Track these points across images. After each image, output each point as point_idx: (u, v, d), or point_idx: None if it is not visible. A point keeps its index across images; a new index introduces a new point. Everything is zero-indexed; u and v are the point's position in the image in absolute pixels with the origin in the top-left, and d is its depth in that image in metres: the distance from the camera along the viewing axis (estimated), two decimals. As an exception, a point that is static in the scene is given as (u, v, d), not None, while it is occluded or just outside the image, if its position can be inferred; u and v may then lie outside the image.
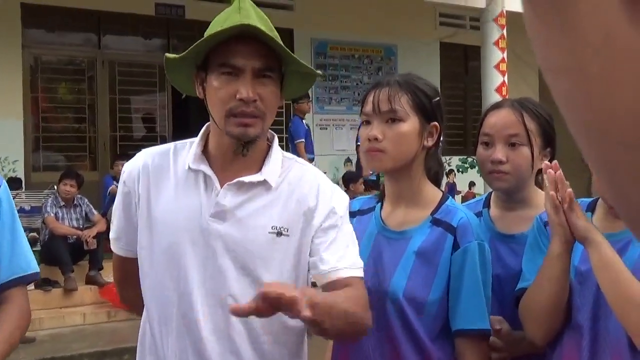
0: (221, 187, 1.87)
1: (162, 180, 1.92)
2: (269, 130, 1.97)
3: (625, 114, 0.37)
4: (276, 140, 1.99)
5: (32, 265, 2.10)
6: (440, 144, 2.08)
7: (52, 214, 8.15)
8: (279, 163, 1.94)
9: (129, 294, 2.13)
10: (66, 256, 7.82)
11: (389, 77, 2.06)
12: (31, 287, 7.06)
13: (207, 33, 1.85)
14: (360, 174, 10.07)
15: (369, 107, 2.00)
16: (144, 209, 1.92)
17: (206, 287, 1.84)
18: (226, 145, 1.89)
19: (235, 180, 1.87)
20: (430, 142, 2.01)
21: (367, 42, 12.20)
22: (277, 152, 1.96)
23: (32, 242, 8.49)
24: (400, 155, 1.97)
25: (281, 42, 1.83)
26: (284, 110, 11.24)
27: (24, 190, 9.19)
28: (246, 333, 1.85)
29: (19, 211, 7.68)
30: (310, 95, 10.72)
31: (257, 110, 1.82)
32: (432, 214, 2.00)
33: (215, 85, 1.84)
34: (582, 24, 0.37)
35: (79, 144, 10.56)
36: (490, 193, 2.33)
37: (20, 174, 9.58)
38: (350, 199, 2.09)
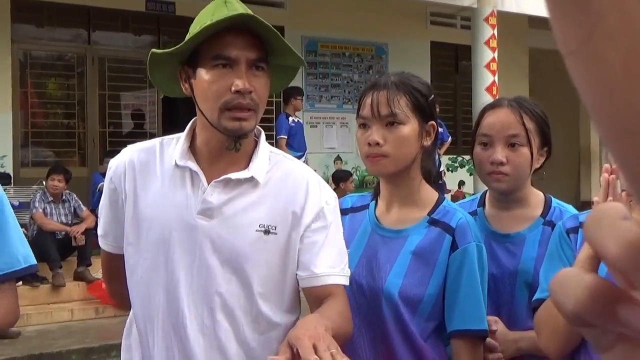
0: (208, 184, 1.84)
1: (149, 176, 1.90)
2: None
3: None
4: (263, 135, 1.96)
5: (21, 260, 2.06)
6: (438, 142, 2.08)
7: (41, 210, 8.12)
8: (267, 159, 1.92)
9: (117, 289, 2.11)
10: (54, 252, 7.80)
11: (384, 78, 2.02)
12: (19, 282, 7.04)
13: (192, 28, 1.82)
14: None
15: (367, 111, 1.97)
16: (131, 206, 1.90)
17: (193, 285, 1.83)
18: (216, 140, 1.86)
19: (222, 177, 1.84)
20: (428, 142, 2.00)
21: (358, 40, 12.18)
22: (264, 147, 1.94)
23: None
24: (402, 159, 1.95)
25: (277, 32, 1.82)
26: (274, 107, 11.22)
27: (12, 185, 9.14)
28: (232, 331, 1.84)
29: (7, 207, 7.51)
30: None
31: (253, 102, 1.80)
32: (430, 214, 1.99)
33: (208, 78, 1.80)
34: None
35: (68, 139, 10.51)
36: (485, 192, 2.31)
37: (9, 169, 9.53)
38: (341, 197, 2.08)
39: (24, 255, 2.10)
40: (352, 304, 1.95)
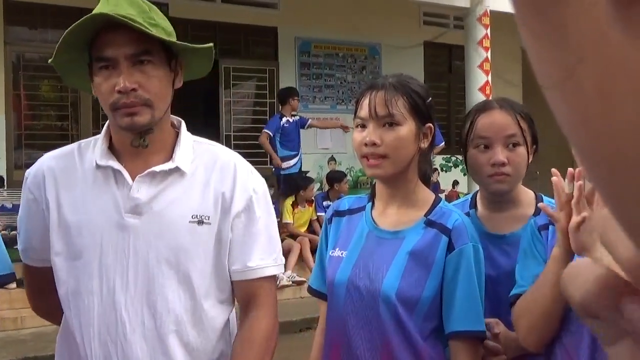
0: (133, 181, 1.80)
1: (71, 182, 1.84)
2: (175, 116, 1.91)
3: (625, 134, 0.33)
4: (184, 125, 1.92)
5: (6, 267, 2.05)
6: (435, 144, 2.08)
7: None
8: (190, 148, 1.88)
9: (42, 305, 2.05)
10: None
11: (382, 79, 2.02)
12: (12, 285, 7.02)
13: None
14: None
15: (364, 112, 1.96)
16: (55, 214, 1.83)
17: (130, 288, 1.77)
18: (124, 138, 1.83)
19: (146, 172, 1.80)
20: (425, 144, 1.99)
21: (351, 41, 12.18)
22: (186, 137, 1.89)
23: (14, 241, 8.40)
24: (400, 160, 1.95)
25: (164, 24, 1.79)
26: (267, 108, 11.22)
27: (5, 188, 9.12)
28: (176, 332, 1.79)
29: (0, 209, 7.65)
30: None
31: (139, 99, 1.74)
32: (426, 215, 1.99)
33: (97, 81, 1.77)
34: (571, 31, 0.34)
35: (62, 141, 10.45)
36: (476, 193, 2.31)
37: (2, 171, 9.51)
38: (336, 198, 2.08)
39: (5, 261, 2.08)
40: (350, 305, 1.95)
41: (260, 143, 9.55)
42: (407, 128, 1.94)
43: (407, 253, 1.94)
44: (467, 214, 2.21)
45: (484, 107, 2.20)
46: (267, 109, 11.28)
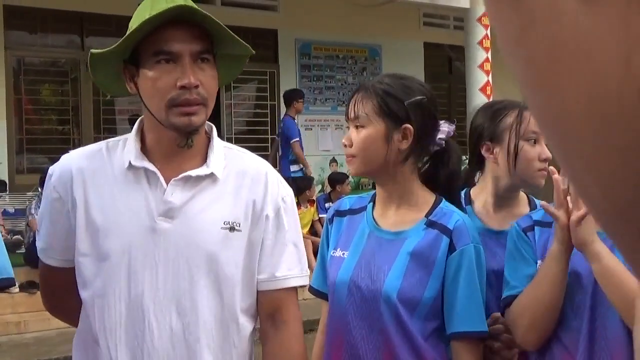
0: (167, 184, 1.77)
1: (100, 182, 1.80)
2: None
3: (572, 99, 0.33)
4: (214, 130, 1.91)
5: (2, 271, 2.06)
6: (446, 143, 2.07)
7: (36, 216, 8.07)
8: (222, 154, 1.85)
9: (59, 305, 2.03)
10: (51, 259, 7.74)
11: (369, 80, 2.06)
12: (16, 289, 7.04)
13: (132, 23, 1.76)
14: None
15: (347, 113, 2.05)
16: (82, 215, 1.78)
17: (158, 292, 1.74)
18: (167, 138, 1.79)
19: (181, 175, 1.77)
20: (404, 145, 1.98)
21: (351, 42, 12.19)
22: (218, 143, 1.87)
23: (17, 245, 8.45)
24: (368, 159, 1.99)
25: (219, 22, 1.74)
26: (268, 110, 11.23)
27: (7, 192, 9.13)
28: (203, 337, 1.77)
29: (2, 214, 7.66)
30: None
31: (200, 96, 1.72)
32: (427, 215, 1.99)
33: (152, 75, 1.72)
34: None
35: (63, 146, 10.48)
36: (469, 190, 2.33)
37: (4, 176, 9.51)
38: (337, 199, 2.10)
39: (3, 266, 2.08)
40: (351, 305, 1.96)
41: (296, 154, 9.54)
42: (373, 129, 1.97)
43: (408, 253, 1.95)
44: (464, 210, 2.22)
45: (523, 104, 2.18)
46: (268, 111, 11.30)
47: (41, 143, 10.38)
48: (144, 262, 1.74)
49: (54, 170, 1.86)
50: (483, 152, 2.22)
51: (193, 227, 1.77)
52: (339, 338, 2.00)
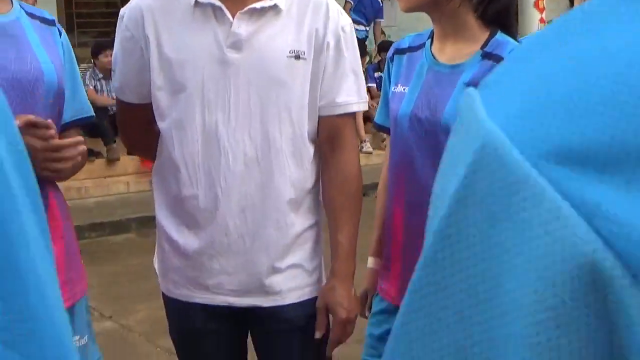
0: (233, 17, 1.83)
1: (169, 20, 1.87)
2: None
3: None
4: None
5: (86, 108, 2.19)
6: None
7: (92, 87, 8.24)
8: None
9: (137, 141, 2.14)
10: (107, 127, 7.90)
11: None
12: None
13: None
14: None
15: None
16: (155, 51, 1.86)
17: (231, 121, 1.84)
18: None
19: (247, 8, 1.82)
20: None
21: None
22: None
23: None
24: None
25: None
26: None
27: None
28: (277, 160, 1.87)
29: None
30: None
31: None
32: (482, 47, 2.01)
33: None
34: None
35: (111, 20, 10.53)
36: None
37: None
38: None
39: (87, 104, 2.21)
40: (413, 136, 2.02)
41: None
42: None
43: (464, 84, 1.99)
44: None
45: None
46: None
47: (91, 17, 10.44)
48: (217, 91, 1.83)
49: (124, 11, 1.93)
50: None
51: (260, 57, 1.84)
52: (402, 169, 2.08)
